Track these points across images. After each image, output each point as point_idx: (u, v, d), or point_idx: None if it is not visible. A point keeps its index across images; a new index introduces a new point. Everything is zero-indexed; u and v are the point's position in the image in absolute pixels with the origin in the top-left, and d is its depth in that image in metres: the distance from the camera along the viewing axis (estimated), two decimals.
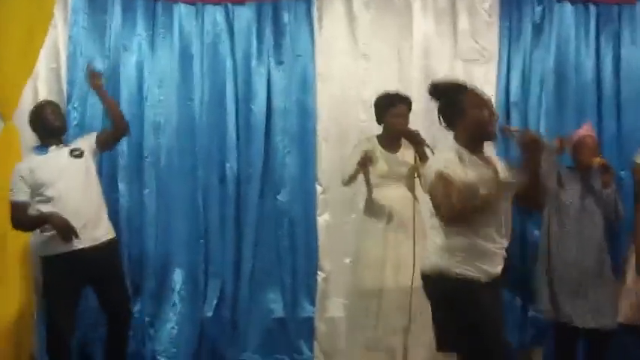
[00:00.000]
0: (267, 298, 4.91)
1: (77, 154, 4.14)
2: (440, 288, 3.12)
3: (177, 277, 4.84)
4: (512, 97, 4.89)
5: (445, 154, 3.15)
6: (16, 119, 4.55)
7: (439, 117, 3.25)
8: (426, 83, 4.73)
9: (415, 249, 4.02)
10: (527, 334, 4.86)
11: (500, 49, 4.92)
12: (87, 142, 4.26)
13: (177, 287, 4.84)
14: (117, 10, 4.80)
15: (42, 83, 4.79)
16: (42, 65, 4.76)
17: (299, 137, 4.92)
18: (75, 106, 4.73)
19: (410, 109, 4.36)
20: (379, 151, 4.35)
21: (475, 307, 3.02)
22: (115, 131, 4.32)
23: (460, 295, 3.05)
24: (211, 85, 4.88)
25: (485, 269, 3.09)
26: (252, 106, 4.88)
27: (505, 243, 3.16)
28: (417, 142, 4.21)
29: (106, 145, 4.34)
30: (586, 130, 4.46)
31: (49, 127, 4.14)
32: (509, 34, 4.93)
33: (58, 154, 4.12)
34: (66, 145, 4.19)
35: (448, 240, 3.08)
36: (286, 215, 4.90)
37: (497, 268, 3.15)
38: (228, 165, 4.86)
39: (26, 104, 4.52)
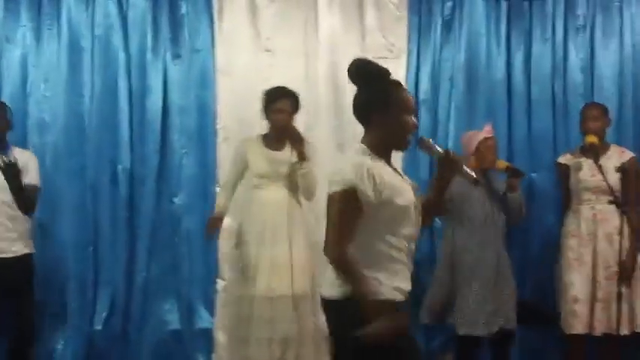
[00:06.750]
0: (162, 309, 4.60)
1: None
2: None
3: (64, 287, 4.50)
4: (422, 95, 4.70)
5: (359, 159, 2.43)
6: None
7: (354, 106, 2.52)
8: (333, 80, 4.68)
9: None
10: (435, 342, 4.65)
11: (409, 45, 4.72)
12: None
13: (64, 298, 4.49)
14: None
15: None
16: None
17: (197, 137, 4.65)
18: None
19: (296, 106, 4.13)
20: (257, 151, 4.15)
21: None
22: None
23: None
24: (103, 80, 4.58)
25: None
26: (147, 103, 4.60)
27: None
28: (295, 139, 4.03)
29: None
30: (487, 132, 4.21)
31: None
32: (419, 30, 4.74)
33: None
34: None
35: None
36: (183, 220, 4.61)
37: None
38: (120, 166, 4.56)
39: None
